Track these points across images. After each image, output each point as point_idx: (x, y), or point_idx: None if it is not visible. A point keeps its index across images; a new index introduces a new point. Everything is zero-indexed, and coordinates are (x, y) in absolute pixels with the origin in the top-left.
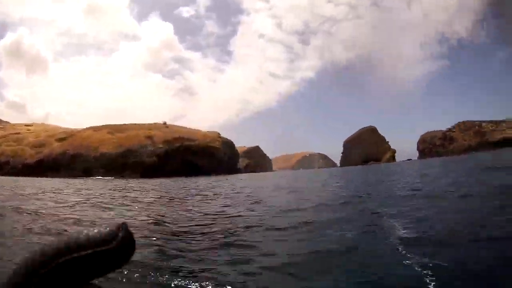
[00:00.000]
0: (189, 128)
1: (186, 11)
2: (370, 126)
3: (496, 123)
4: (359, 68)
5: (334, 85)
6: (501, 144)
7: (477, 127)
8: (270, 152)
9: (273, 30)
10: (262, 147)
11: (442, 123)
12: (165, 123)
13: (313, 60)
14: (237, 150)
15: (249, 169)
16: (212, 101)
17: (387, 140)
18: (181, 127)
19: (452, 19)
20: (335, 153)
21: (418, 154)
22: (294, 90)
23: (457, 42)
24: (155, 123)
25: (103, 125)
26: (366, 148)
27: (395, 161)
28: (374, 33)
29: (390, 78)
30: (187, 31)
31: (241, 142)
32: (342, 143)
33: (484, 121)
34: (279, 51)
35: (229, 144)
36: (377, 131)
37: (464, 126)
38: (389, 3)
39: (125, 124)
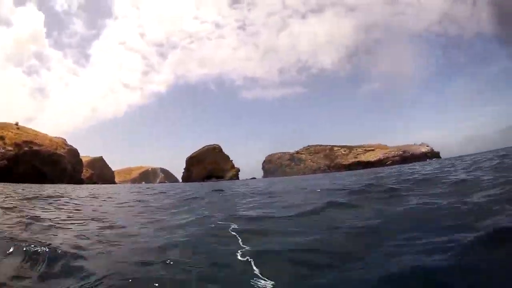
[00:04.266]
0: (39, 132)
1: (60, 5)
2: (214, 144)
3: (349, 148)
4: (211, 87)
5: (184, 102)
6: (354, 166)
7: (328, 150)
8: (113, 163)
9: (135, 39)
10: (106, 158)
11: (291, 146)
12: (17, 124)
13: (166, 75)
14: (81, 159)
15: (92, 180)
16: (63, 105)
17: (231, 159)
18: (32, 130)
19: (318, 51)
20: (178, 169)
21: (263, 173)
22: (143, 102)
23: (318, 72)
24: (7, 123)
25: None
26: (209, 165)
27: (239, 179)
28: (233, 54)
29: (242, 100)
30: (55, 26)
31: (86, 152)
32: (185, 160)
33: (336, 146)
34: (136, 61)
35: (74, 153)
36: (221, 149)
37: (314, 149)
38: (257, 28)
39: None
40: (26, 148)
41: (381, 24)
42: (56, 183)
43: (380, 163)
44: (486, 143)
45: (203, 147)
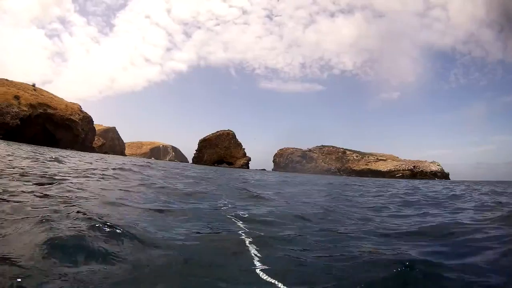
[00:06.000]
0: (55, 96)
1: None
2: (228, 129)
3: (362, 154)
4: (231, 72)
5: (203, 83)
6: (363, 173)
7: (340, 153)
8: (125, 135)
9: (161, 14)
10: (118, 129)
11: (302, 142)
12: (34, 85)
13: (189, 54)
14: (94, 127)
15: (103, 149)
16: (81, 72)
17: (243, 147)
18: (48, 93)
19: (342, 52)
20: (189, 149)
21: (273, 166)
22: (162, 79)
23: (340, 73)
24: (24, 83)
25: None
26: (221, 150)
27: (249, 168)
28: (256, 42)
29: (261, 90)
30: None
31: (98, 120)
32: (195, 141)
33: (349, 150)
34: (160, 37)
35: (88, 120)
36: (235, 135)
37: (327, 150)
38: (284, 19)
39: None
40: (40, 110)
41: (407, 34)
42: (67, 149)
43: (390, 174)
44: (494, 172)
45: (217, 131)
